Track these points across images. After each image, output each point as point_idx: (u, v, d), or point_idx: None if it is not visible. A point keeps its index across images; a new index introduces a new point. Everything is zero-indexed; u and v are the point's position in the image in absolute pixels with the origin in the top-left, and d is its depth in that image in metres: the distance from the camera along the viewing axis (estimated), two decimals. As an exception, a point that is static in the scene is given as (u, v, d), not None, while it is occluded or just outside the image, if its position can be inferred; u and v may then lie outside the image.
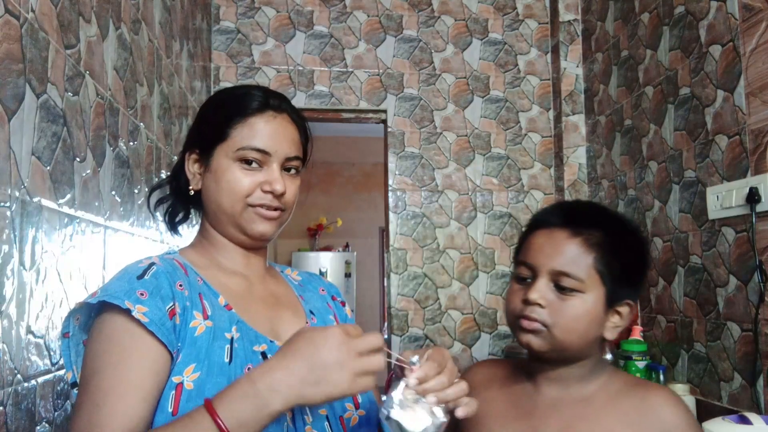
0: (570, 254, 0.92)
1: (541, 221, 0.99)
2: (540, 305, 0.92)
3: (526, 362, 1.02)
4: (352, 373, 0.71)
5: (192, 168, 0.97)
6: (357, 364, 0.71)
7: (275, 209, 0.94)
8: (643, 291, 1.03)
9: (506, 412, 1.00)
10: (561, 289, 0.92)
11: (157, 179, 1.87)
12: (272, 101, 0.95)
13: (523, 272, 0.96)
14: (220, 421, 0.67)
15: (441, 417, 0.75)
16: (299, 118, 0.99)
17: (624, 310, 0.96)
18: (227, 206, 0.92)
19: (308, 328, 0.77)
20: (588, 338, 0.93)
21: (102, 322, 0.80)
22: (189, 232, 1.12)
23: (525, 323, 0.93)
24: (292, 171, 0.96)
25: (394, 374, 0.82)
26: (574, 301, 0.91)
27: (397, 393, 0.75)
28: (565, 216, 0.97)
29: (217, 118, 0.95)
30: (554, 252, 0.93)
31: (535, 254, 0.95)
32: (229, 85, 2.88)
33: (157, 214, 1.07)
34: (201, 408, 0.70)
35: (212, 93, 2.84)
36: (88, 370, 0.78)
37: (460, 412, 0.77)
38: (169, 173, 1.05)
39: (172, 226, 1.04)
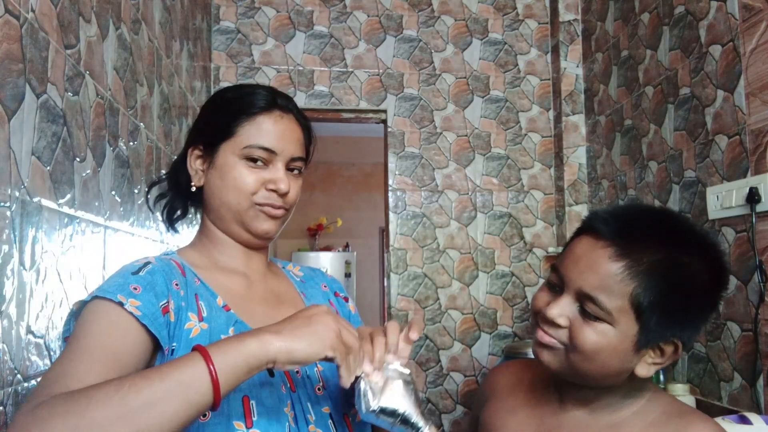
0: (605, 278, 0.77)
1: (591, 226, 0.83)
2: (558, 325, 0.81)
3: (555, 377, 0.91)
4: (336, 331, 0.74)
5: (194, 164, 0.97)
6: (341, 327, 0.75)
7: (279, 208, 0.94)
8: (699, 333, 0.83)
9: (526, 427, 0.92)
10: (585, 314, 0.79)
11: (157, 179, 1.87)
12: (280, 101, 0.96)
13: (553, 279, 0.85)
14: (211, 365, 0.66)
15: (406, 370, 0.81)
16: (304, 119, 0.99)
17: (668, 348, 0.80)
18: (233, 203, 0.92)
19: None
20: (608, 371, 0.80)
21: (91, 306, 0.79)
22: (189, 231, 1.11)
23: (540, 334, 0.83)
24: (295, 171, 0.97)
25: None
26: (597, 327, 0.78)
27: (364, 387, 0.78)
28: (619, 227, 0.80)
29: (222, 115, 0.94)
30: (588, 270, 0.79)
31: (569, 265, 0.82)
32: (229, 85, 2.88)
33: (156, 211, 1.07)
34: (193, 353, 0.68)
35: (212, 93, 2.84)
36: (71, 338, 0.77)
37: (413, 335, 0.82)
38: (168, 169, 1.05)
39: (170, 223, 1.04)
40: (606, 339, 0.78)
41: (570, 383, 0.86)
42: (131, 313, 0.77)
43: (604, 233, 0.80)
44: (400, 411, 0.77)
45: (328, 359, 0.73)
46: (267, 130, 0.92)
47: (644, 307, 0.77)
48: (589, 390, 0.85)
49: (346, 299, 1.11)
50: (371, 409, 0.76)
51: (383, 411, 0.76)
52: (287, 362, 0.70)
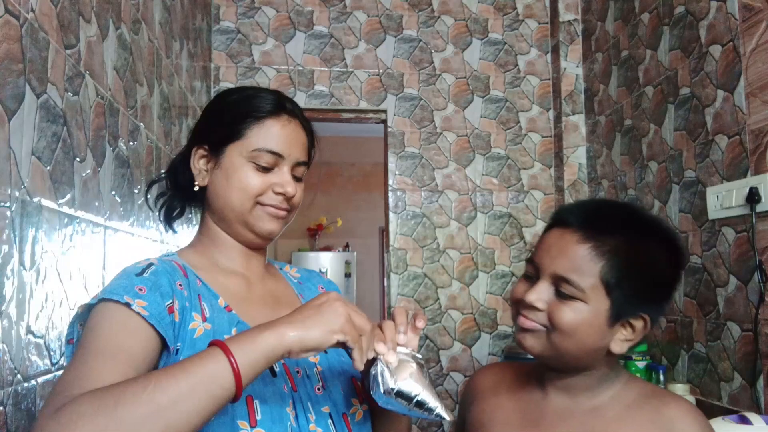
0: (575, 260, 0.85)
1: (559, 219, 0.92)
2: (537, 308, 0.87)
3: (536, 367, 0.97)
4: (346, 316, 0.75)
5: (198, 164, 0.97)
6: (350, 311, 0.76)
7: (283, 209, 0.96)
8: (667, 307, 0.92)
9: (512, 419, 0.95)
10: (561, 295, 0.86)
11: (158, 188, 1.87)
12: (288, 105, 0.97)
13: (529, 270, 0.92)
14: (233, 360, 0.68)
15: (418, 354, 0.82)
16: (308, 124, 1.01)
17: (638, 324, 0.87)
18: (237, 204, 0.93)
19: None
20: (586, 349, 0.87)
21: (98, 308, 0.80)
22: (188, 231, 1.12)
23: (521, 320, 0.89)
24: (298, 175, 0.98)
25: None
26: (573, 306, 0.85)
27: (381, 368, 0.78)
28: (584, 216, 0.89)
29: (230, 116, 0.95)
30: (560, 255, 0.87)
31: (542, 254, 0.90)
32: (229, 85, 2.88)
33: (156, 210, 1.07)
34: (213, 348, 0.70)
35: (213, 93, 2.85)
36: (82, 340, 0.78)
37: (419, 323, 0.83)
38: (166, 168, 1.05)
39: (168, 222, 1.04)
40: (582, 315, 0.85)
41: (551, 372, 0.92)
42: (138, 313, 0.78)
43: (572, 222, 0.89)
44: (416, 393, 0.77)
45: (341, 344, 0.75)
46: (275, 134, 0.93)
47: (612, 284, 0.84)
48: (568, 376, 0.91)
49: None
50: (389, 388, 0.76)
51: (400, 393, 0.77)
52: (301, 350, 0.72)
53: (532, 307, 0.87)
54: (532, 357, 0.93)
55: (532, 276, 0.91)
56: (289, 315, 0.75)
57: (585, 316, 0.85)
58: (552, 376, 0.93)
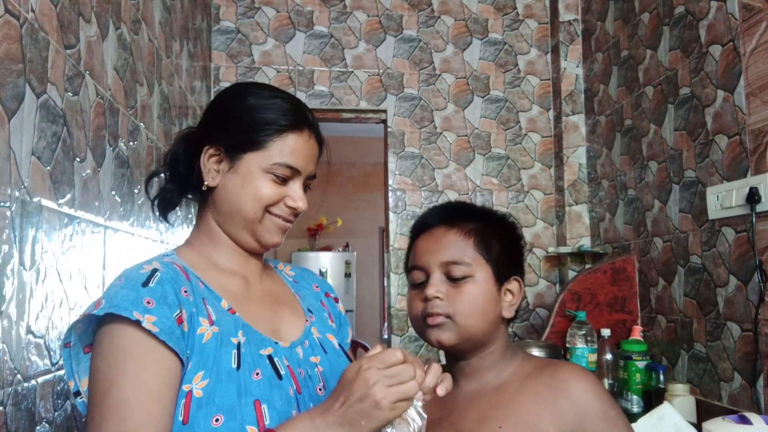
0: (452, 244, 0.99)
1: (419, 227, 1.05)
2: (438, 298, 0.96)
3: (446, 364, 1.04)
4: (390, 404, 0.74)
5: (208, 163, 0.94)
6: (391, 395, 0.74)
7: (290, 221, 0.97)
8: (523, 270, 1.09)
9: (429, 413, 1.00)
10: (453, 280, 0.97)
11: (156, 179, 1.87)
12: (309, 117, 0.98)
13: (417, 276, 1.01)
14: None
15: (424, 415, 0.80)
16: (321, 137, 1.02)
17: (513, 286, 1.02)
18: (249, 211, 0.92)
19: (346, 369, 0.78)
20: (489, 318, 0.98)
21: (112, 333, 0.79)
22: (188, 232, 1.11)
23: (430, 320, 0.96)
24: (307, 186, 1.00)
25: None
26: (467, 286, 0.96)
27: None
28: (440, 215, 1.04)
29: (249, 123, 0.93)
30: (438, 247, 0.99)
31: (422, 255, 1.01)
32: (230, 84, 2.88)
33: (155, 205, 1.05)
34: None
35: (212, 93, 2.85)
36: (105, 381, 0.77)
37: (440, 391, 0.81)
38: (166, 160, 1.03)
39: (164, 215, 1.02)
40: (477, 288, 0.97)
41: (458, 362, 1.01)
42: (149, 331, 0.77)
43: (434, 222, 1.03)
44: None
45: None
46: (295, 150, 0.94)
47: (486, 252, 0.99)
48: (474, 359, 1.00)
49: (336, 300, 1.13)
50: (385, 429, 0.76)
51: None
52: None
53: (434, 299, 0.96)
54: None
55: (422, 281, 1.00)
56: (334, 413, 0.75)
57: (480, 287, 0.97)
58: (461, 366, 1.02)
